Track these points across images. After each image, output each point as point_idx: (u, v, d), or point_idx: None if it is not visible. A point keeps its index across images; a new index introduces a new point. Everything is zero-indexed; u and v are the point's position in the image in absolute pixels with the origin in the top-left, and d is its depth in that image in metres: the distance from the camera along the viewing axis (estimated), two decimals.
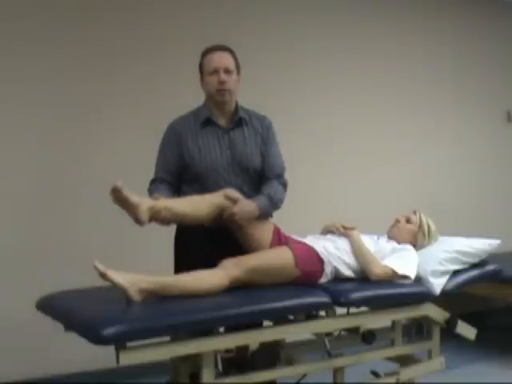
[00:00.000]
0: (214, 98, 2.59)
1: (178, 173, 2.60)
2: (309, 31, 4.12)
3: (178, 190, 2.64)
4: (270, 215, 2.63)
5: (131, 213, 2.23)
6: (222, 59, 2.56)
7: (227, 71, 2.55)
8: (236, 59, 2.62)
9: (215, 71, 2.55)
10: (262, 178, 2.65)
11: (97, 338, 1.85)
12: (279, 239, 2.53)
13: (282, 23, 4.02)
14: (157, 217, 2.30)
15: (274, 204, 2.59)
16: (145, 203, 2.24)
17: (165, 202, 2.34)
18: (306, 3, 4.11)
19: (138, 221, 2.24)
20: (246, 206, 2.45)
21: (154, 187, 2.59)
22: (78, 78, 3.39)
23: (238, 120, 2.63)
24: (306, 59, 4.11)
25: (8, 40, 3.22)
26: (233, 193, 2.45)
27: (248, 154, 2.60)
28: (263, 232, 2.52)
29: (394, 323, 2.74)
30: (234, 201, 2.42)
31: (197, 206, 2.40)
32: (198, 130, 2.59)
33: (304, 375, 2.51)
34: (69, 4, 3.37)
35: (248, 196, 2.56)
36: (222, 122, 2.62)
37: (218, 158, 2.56)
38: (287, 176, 2.71)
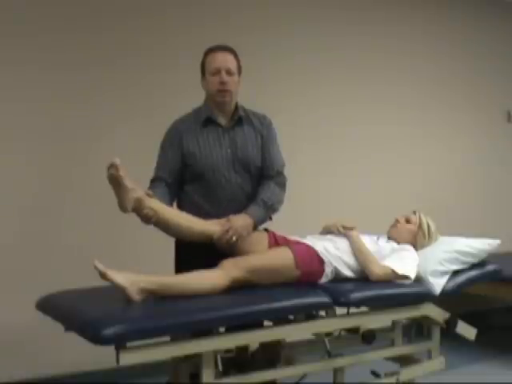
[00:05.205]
0: (214, 98, 2.60)
1: (179, 172, 2.60)
2: (309, 27, 4.12)
3: (178, 191, 2.64)
4: (268, 219, 2.64)
5: (119, 196, 2.25)
6: (225, 60, 2.57)
7: (229, 72, 2.56)
8: (238, 60, 2.62)
9: (217, 71, 2.55)
10: (261, 175, 2.66)
11: (97, 338, 1.85)
12: (276, 243, 2.53)
13: (281, 19, 4.02)
14: (139, 211, 2.32)
15: (269, 208, 2.58)
16: (135, 192, 2.27)
17: (154, 202, 2.35)
18: None
19: (121, 206, 2.27)
20: (238, 221, 2.44)
21: (152, 189, 2.57)
22: (79, 80, 3.39)
23: (238, 119, 2.64)
24: (306, 55, 4.10)
25: (9, 44, 3.23)
26: (225, 224, 2.42)
27: (249, 151, 2.61)
28: (258, 245, 2.49)
29: (393, 323, 2.75)
30: (226, 229, 2.40)
31: (185, 222, 2.41)
32: (198, 130, 2.60)
33: (304, 375, 2.51)
34: (69, 11, 3.37)
35: (248, 194, 2.59)
36: (223, 121, 2.63)
37: (219, 156, 2.56)
38: (287, 175, 2.71)
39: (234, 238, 2.41)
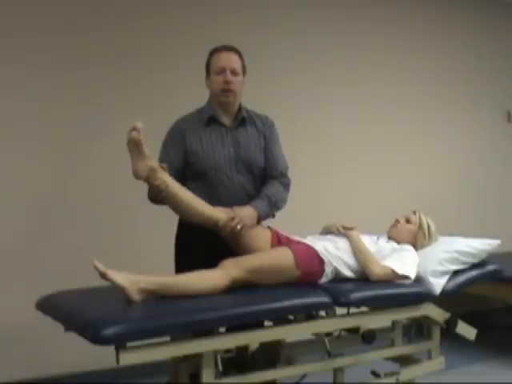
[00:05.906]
0: (218, 98, 2.60)
1: (181, 170, 2.60)
2: (309, 27, 4.12)
3: None
4: (271, 216, 2.64)
5: (135, 161, 2.25)
6: (230, 60, 2.58)
7: (234, 72, 2.57)
8: (243, 61, 2.63)
9: (222, 71, 2.56)
10: (264, 176, 2.66)
11: (97, 338, 1.85)
12: (279, 242, 2.53)
13: (281, 19, 4.02)
14: (152, 181, 2.30)
15: (273, 204, 2.59)
16: (151, 161, 2.27)
17: (166, 176, 2.34)
18: None
19: (135, 172, 2.27)
20: (244, 212, 2.45)
21: None
22: (79, 80, 3.39)
23: (242, 119, 2.64)
24: (306, 55, 4.10)
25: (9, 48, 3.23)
26: (230, 212, 2.43)
27: (251, 152, 2.62)
28: (261, 242, 2.50)
29: (393, 323, 2.75)
30: (232, 217, 2.41)
31: (195, 202, 2.41)
32: (201, 128, 2.60)
33: (304, 375, 2.51)
34: (69, 11, 3.36)
35: (250, 194, 2.59)
36: (226, 120, 2.63)
37: (221, 155, 2.57)
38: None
39: (239, 227, 2.40)
